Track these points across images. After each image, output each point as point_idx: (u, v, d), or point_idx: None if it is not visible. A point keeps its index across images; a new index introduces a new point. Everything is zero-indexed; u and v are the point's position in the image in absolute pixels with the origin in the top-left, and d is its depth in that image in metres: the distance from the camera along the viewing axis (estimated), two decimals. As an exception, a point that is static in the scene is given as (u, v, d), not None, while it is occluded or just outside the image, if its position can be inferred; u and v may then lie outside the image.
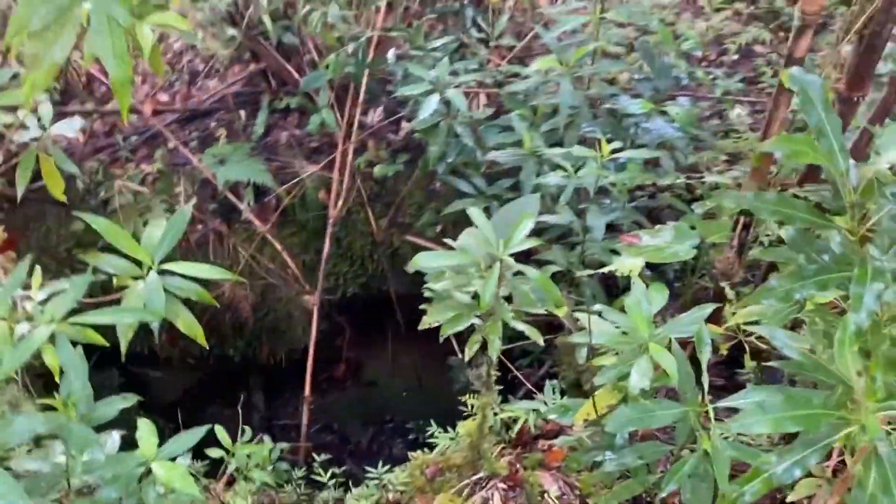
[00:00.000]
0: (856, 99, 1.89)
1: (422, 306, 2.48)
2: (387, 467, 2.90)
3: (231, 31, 3.65)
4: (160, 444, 1.95)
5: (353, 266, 4.73)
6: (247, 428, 2.78)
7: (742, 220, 2.22)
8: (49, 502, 1.87)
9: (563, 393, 2.89)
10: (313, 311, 4.09)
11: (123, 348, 1.76)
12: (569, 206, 3.00)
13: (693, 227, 2.45)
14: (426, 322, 2.20)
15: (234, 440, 2.88)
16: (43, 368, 1.87)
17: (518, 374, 3.20)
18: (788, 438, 2.27)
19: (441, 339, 2.36)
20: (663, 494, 1.80)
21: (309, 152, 4.33)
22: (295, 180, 4.15)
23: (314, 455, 3.30)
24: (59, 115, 2.72)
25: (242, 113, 4.32)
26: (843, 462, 1.88)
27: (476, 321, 2.15)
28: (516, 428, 2.74)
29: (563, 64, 3.18)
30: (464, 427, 2.72)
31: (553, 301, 2.06)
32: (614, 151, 2.76)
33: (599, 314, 2.15)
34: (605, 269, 2.49)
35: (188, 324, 1.83)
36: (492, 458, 2.59)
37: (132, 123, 4.26)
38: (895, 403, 1.12)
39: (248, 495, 2.71)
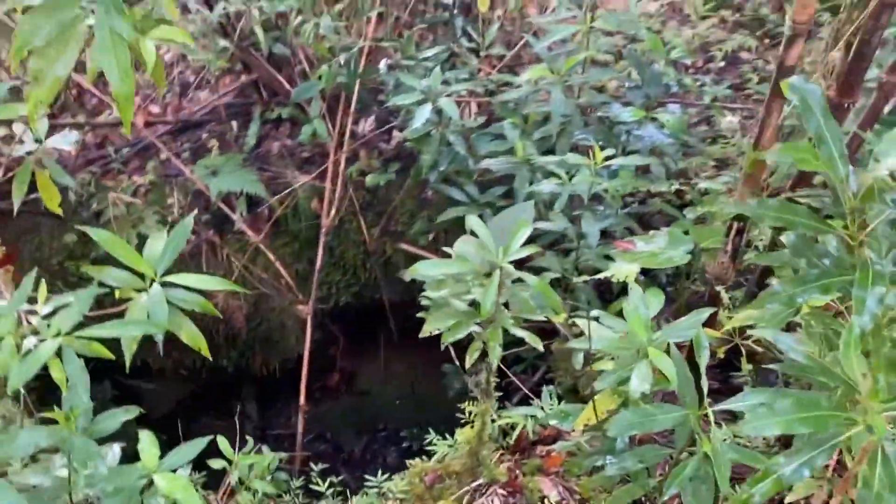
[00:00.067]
0: (846, 105, 1.93)
1: (419, 314, 2.50)
2: (386, 475, 2.91)
3: (223, 43, 3.66)
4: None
5: (346, 275, 4.74)
6: (249, 438, 2.78)
7: (736, 225, 2.25)
8: (53, 516, 1.87)
9: (559, 398, 2.91)
10: (307, 320, 4.10)
11: (128, 361, 1.76)
12: (562, 213, 3.03)
13: (686, 233, 2.49)
14: (426, 330, 2.21)
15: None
16: (36, 382, 1.87)
17: (516, 380, 3.21)
18: (784, 440, 2.31)
19: (436, 347, 2.39)
20: (665, 498, 1.82)
21: (301, 162, 4.34)
22: (287, 190, 4.17)
23: (311, 465, 3.30)
24: (50, 128, 2.73)
25: (234, 124, 4.32)
26: (839, 462, 1.92)
27: (475, 328, 2.17)
28: (514, 434, 2.75)
29: (554, 73, 3.22)
30: (462, 434, 2.73)
31: (552, 307, 2.08)
32: (607, 159, 2.80)
33: (597, 319, 2.18)
34: (602, 275, 2.52)
35: (191, 335, 1.84)
36: (491, 464, 2.61)
37: (124, 135, 4.25)
38: (898, 404, 1.16)
39: (250, 506, 2.71)
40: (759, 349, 2.14)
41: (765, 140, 2.09)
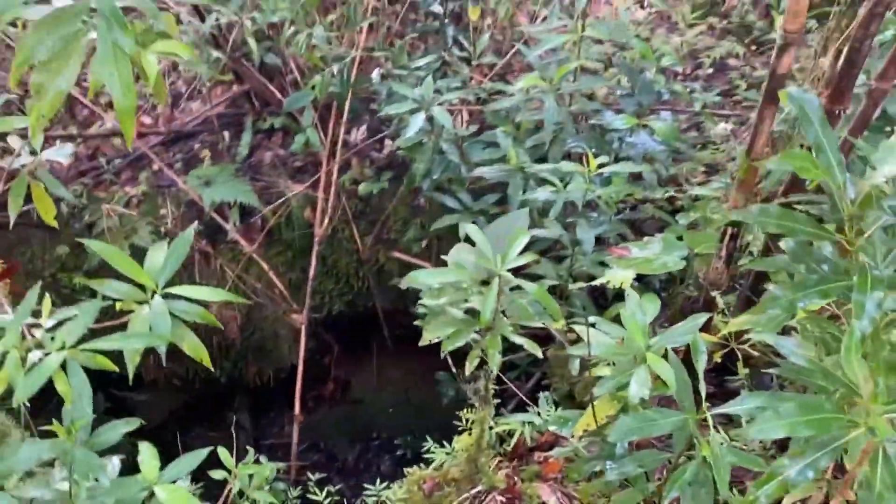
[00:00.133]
0: (837, 112, 1.96)
1: (416, 322, 2.51)
2: (384, 484, 2.91)
3: (215, 54, 3.67)
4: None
5: (339, 284, 4.75)
6: (250, 449, 2.78)
7: (730, 230, 2.28)
8: (53, 529, 1.87)
9: (556, 404, 2.93)
10: (300, 329, 4.10)
11: (131, 373, 1.77)
12: (556, 220, 3.06)
13: (680, 238, 2.52)
14: (426, 339, 2.23)
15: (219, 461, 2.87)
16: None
17: (512, 387, 3.23)
18: (781, 443, 2.33)
19: (429, 354, 2.40)
20: (665, 502, 1.84)
21: (293, 171, 4.35)
22: (281, 200, 4.17)
23: (309, 475, 3.31)
24: (43, 140, 2.72)
25: (226, 134, 4.33)
26: (836, 464, 1.94)
27: (474, 336, 2.18)
28: (512, 441, 2.77)
29: (546, 81, 3.25)
30: (460, 441, 2.74)
31: (552, 314, 2.10)
32: (600, 166, 2.82)
33: (593, 326, 2.19)
34: (598, 282, 2.55)
35: (193, 346, 1.84)
36: (489, 471, 2.62)
37: (115, 146, 4.25)
38: (898, 407, 1.18)
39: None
40: (755, 353, 2.16)
41: (758, 147, 2.13)
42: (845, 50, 1.94)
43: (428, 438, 3.28)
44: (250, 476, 2.56)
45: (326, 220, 4.11)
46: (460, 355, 2.27)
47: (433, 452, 2.91)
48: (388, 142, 4.37)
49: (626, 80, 3.95)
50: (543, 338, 3.09)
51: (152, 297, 1.81)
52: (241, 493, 2.61)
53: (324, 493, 3.10)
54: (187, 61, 3.59)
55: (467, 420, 2.81)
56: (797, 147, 2.55)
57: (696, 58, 4.52)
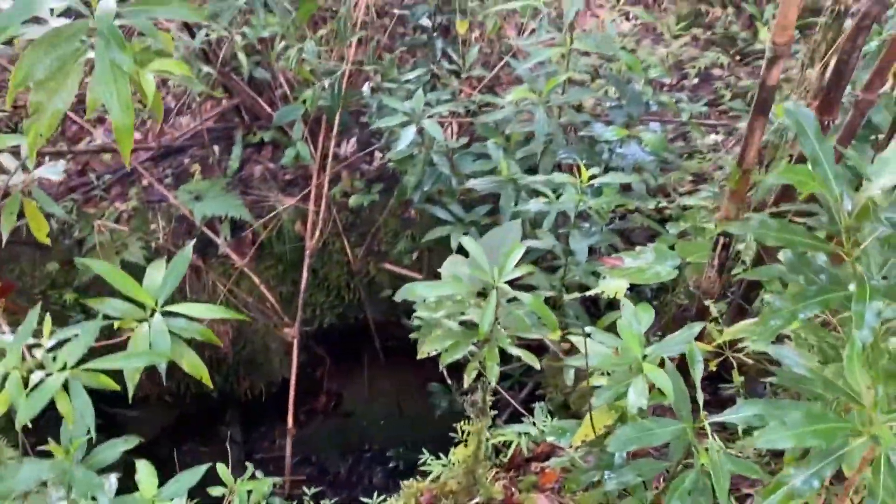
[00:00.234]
0: (826, 123, 2.00)
1: (411, 335, 2.52)
2: (382, 497, 2.91)
3: (205, 69, 3.67)
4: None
5: (330, 296, 4.75)
6: (249, 465, 2.78)
7: (722, 240, 2.31)
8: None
9: (551, 414, 2.94)
10: (292, 343, 4.10)
11: (131, 391, 1.76)
12: (549, 231, 3.08)
13: (672, 248, 2.54)
14: (424, 352, 2.23)
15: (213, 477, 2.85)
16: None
17: (507, 396, 3.24)
18: (775, 450, 2.36)
19: (421, 365, 2.40)
20: (665, 510, 1.85)
21: (284, 185, 4.35)
22: (272, 214, 4.17)
23: (304, 489, 3.30)
24: (34, 157, 2.72)
25: (216, 148, 4.33)
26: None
27: (471, 348, 2.19)
28: (509, 452, 2.77)
29: (535, 93, 3.27)
30: (457, 453, 2.74)
31: (549, 325, 2.11)
32: (592, 177, 2.85)
33: (589, 336, 2.21)
34: (592, 292, 2.57)
35: (193, 364, 1.84)
36: (487, 483, 2.62)
37: (105, 162, 4.24)
38: (900, 415, 1.20)
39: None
40: (749, 361, 2.18)
41: (749, 157, 2.16)
42: (833, 62, 1.97)
43: (420, 450, 3.28)
44: (248, 492, 2.55)
45: (317, 233, 4.12)
46: (453, 366, 2.27)
47: (429, 465, 2.91)
48: (378, 154, 4.38)
49: (614, 92, 4.00)
50: (537, 348, 3.11)
51: (152, 315, 1.81)
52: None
53: (321, 507, 3.10)
54: (176, 76, 3.58)
55: (464, 431, 2.82)
56: (785, 156, 2.59)
57: (681, 68, 4.58)
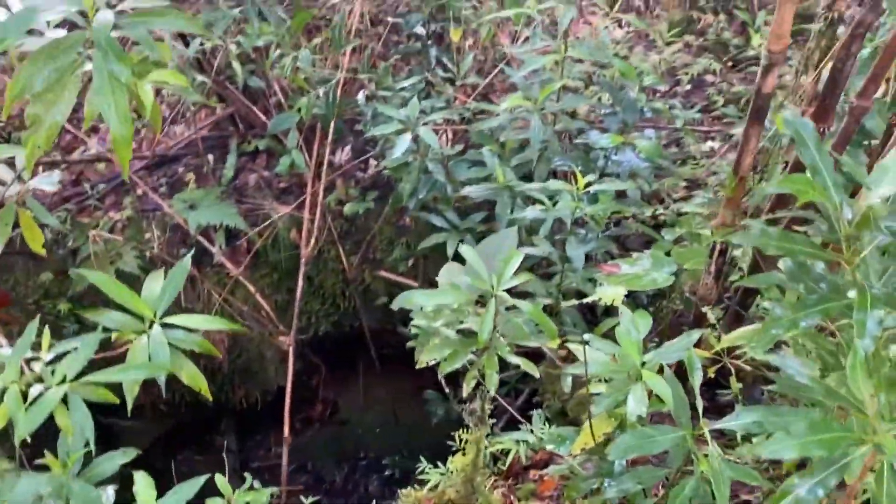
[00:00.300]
0: (822, 130, 2.01)
1: (409, 344, 2.52)
2: (380, 506, 2.90)
3: (200, 78, 3.67)
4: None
5: (325, 304, 4.74)
6: (248, 475, 2.76)
7: (719, 246, 2.32)
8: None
9: (548, 421, 2.94)
10: (287, 351, 4.08)
11: (129, 404, 1.75)
12: (545, 238, 3.08)
13: (668, 254, 2.55)
14: (422, 361, 2.23)
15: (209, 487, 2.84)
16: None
17: (504, 403, 3.24)
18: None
19: (416, 372, 2.40)
20: (665, 518, 1.85)
21: (278, 193, 4.35)
22: (267, 222, 4.17)
23: (302, 498, 3.29)
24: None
25: (211, 157, 4.32)
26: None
27: (470, 356, 2.19)
28: (508, 460, 2.77)
29: (530, 101, 3.28)
30: (456, 461, 2.74)
31: (548, 333, 2.12)
32: (588, 184, 2.86)
33: (587, 343, 2.21)
34: (589, 299, 2.57)
35: (192, 376, 1.84)
36: (486, 491, 2.62)
37: (99, 171, 4.23)
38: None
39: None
40: (747, 368, 2.19)
41: (744, 165, 2.17)
42: (828, 69, 1.99)
43: (416, 458, 3.27)
44: (247, 503, 2.54)
45: (312, 241, 4.11)
46: (450, 373, 2.27)
47: (427, 473, 2.91)
48: (372, 162, 4.38)
49: (608, 98, 4.01)
50: (534, 355, 3.11)
51: (150, 326, 1.80)
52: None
53: (320, 517, 3.09)
54: (171, 85, 3.58)
55: (462, 440, 2.81)
56: (780, 163, 2.61)
57: (674, 75, 4.60)
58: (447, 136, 4.08)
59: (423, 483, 2.94)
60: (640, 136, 3.17)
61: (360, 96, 3.71)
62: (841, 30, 2.28)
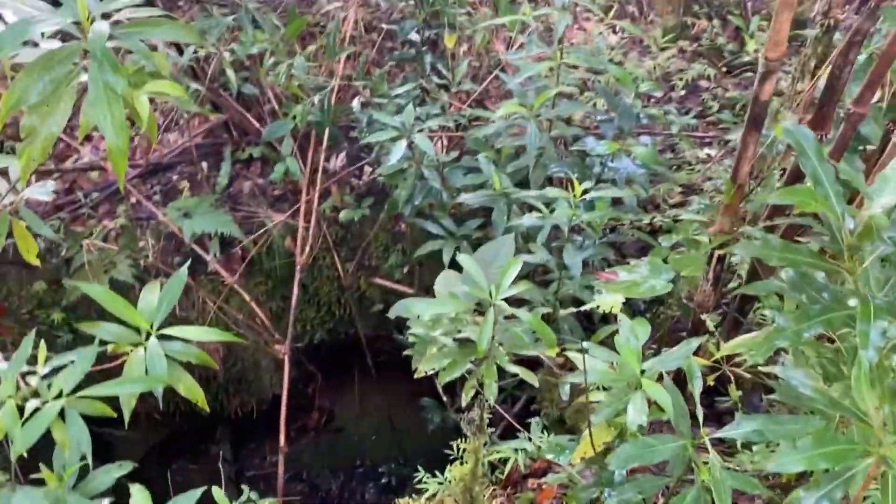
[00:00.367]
0: (819, 137, 2.01)
1: (406, 352, 2.50)
2: (377, 516, 2.88)
3: (194, 85, 3.65)
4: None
5: (321, 311, 4.73)
6: (245, 488, 2.75)
7: (717, 253, 2.32)
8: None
9: (546, 429, 2.93)
10: (283, 359, 4.07)
11: (127, 417, 1.74)
12: (542, 245, 3.08)
13: (665, 261, 2.55)
14: (421, 371, 2.22)
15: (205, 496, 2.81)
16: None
17: (500, 410, 3.22)
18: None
19: (412, 379, 2.39)
20: (667, 527, 1.85)
21: (273, 200, 4.34)
22: (262, 230, 4.15)
23: (298, 507, 3.27)
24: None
25: (205, 165, 4.30)
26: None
27: (468, 365, 2.18)
28: (506, 468, 2.76)
29: (525, 107, 3.28)
30: (454, 470, 2.73)
31: (547, 342, 2.11)
32: (584, 191, 2.85)
33: (586, 351, 2.20)
34: (587, 307, 2.56)
35: (189, 388, 1.82)
36: (484, 500, 2.61)
37: (92, 180, 4.20)
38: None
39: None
40: (747, 375, 2.19)
41: (742, 172, 2.17)
42: (826, 77, 1.99)
43: (412, 465, 3.24)
44: (245, 514, 2.52)
45: (307, 249, 4.10)
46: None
47: (426, 482, 2.89)
48: (367, 169, 4.37)
49: (602, 104, 4.02)
50: (531, 362, 3.10)
51: (147, 338, 1.79)
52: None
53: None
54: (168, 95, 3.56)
55: (460, 449, 2.80)
56: (777, 169, 2.61)
57: (668, 80, 4.61)
58: (442, 142, 4.07)
59: (420, 492, 2.92)
60: (637, 142, 3.16)
61: (356, 103, 3.70)
62: (837, 36, 2.28)
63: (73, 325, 3.88)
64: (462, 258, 2.24)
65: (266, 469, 5.35)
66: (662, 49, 4.66)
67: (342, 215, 4.24)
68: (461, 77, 3.95)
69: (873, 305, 1.21)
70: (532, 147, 3.22)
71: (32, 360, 1.73)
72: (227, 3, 3.85)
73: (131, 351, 1.75)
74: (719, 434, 1.78)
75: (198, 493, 2.17)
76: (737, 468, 2.41)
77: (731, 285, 2.59)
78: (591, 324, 3.46)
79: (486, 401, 2.22)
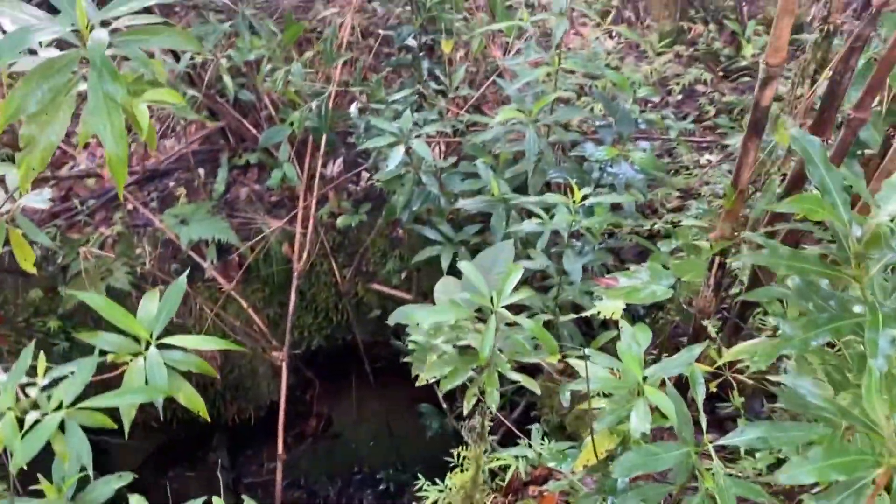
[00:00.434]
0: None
1: (406, 359, 2.49)
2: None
3: (191, 92, 3.64)
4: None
5: (318, 318, 4.71)
6: (245, 498, 2.73)
7: (718, 259, 2.31)
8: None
9: (546, 436, 2.92)
10: (280, 366, 4.05)
11: (127, 427, 1.72)
12: (541, 251, 3.07)
13: (665, 266, 2.54)
14: (422, 378, 2.21)
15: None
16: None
17: (500, 416, 3.21)
18: (773, 468, 2.35)
19: (410, 385, 2.37)
20: (671, 535, 1.84)
21: (270, 207, 4.32)
22: (259, 237, 4.14)
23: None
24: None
25: (201, 171, 4.29)
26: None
27: (470, 373, 2.17)
28: (507, 476, 2.74)
29: (524, 113, 3.28)
30: (455, 479, 2.71)
31: (548, 349, 2.10)
32: (584, 197, 2.85)
33: (587, 358, 2.20)
34: (588, 313, 2.56)
35: (190, 397, 1.81)
36: (485, 507, 2.60)
37: (88, 187, 4.18)
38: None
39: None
40: (749, 382, 2.18)
41: (743, 178, 2.16)
42: (826, 83, 1.99)
43: (411, 471, 3.22)
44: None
45: (305, 255, 4.09)
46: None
47: (425, 490, 2.87)
48: (364, 174, 4.36)
49: (600, 109, 4.02)
50: (531, 368, 3.09)
51: (146, 348, 1.77)
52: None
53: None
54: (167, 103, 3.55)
55: (460, 456, 2.79)
56: (776, 175, 2.61)
57: (665, 85, 4.61)
58: (440, 148, 4.06)
59: (420, 500, 2.90)
60: (635, 147, 3.16)
61: (353, 109, 3.69)
62: (836, 42, 2.28)
63: (70, 333, 3.86)
64: (463, 264, 2.23)
65: (263, 476, 5.32)
66: (659, 54, 4.66)
67: (339, 221, 4.23)
68: (458, 82, 3.94)
69: (881, 313, 1.20)
70: (531, 152, 3.22)
71: (32, 370, 1.72)
72: (223, 10, 3.84)
73: (131, 360, 1.73)
74: (724, 441, 1.78)
75: (198, 502, 2.16)
76: (738, 474, 2.40)
77: (731, 291, 2.59)
78: (590, 329, 3.45)
79: (488, 408, 2.21)
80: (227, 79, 3.64)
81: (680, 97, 4.55)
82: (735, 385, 2.33)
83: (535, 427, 2.87)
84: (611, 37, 4.81)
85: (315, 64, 4.11)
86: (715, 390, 2.31)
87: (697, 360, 2.38)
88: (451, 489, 2.74)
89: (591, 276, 3.23)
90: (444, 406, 3.50)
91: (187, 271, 1.99)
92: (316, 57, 4.04)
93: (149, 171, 4.25)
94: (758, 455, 2.17)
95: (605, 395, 2.18)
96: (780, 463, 2.34)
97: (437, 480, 2.94)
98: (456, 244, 3.65)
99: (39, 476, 1.98)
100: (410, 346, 2.42)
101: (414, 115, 3.51)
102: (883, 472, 1.13)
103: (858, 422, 1.23)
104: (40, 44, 1.71)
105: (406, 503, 4.78)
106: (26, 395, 1.61)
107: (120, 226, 3.97)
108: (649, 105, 4.49)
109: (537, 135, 3.26)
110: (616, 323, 2.46)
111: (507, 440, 3.08)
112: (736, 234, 2.27)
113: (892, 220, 1.28)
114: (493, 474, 2.86)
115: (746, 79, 4.50)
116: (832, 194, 1.31)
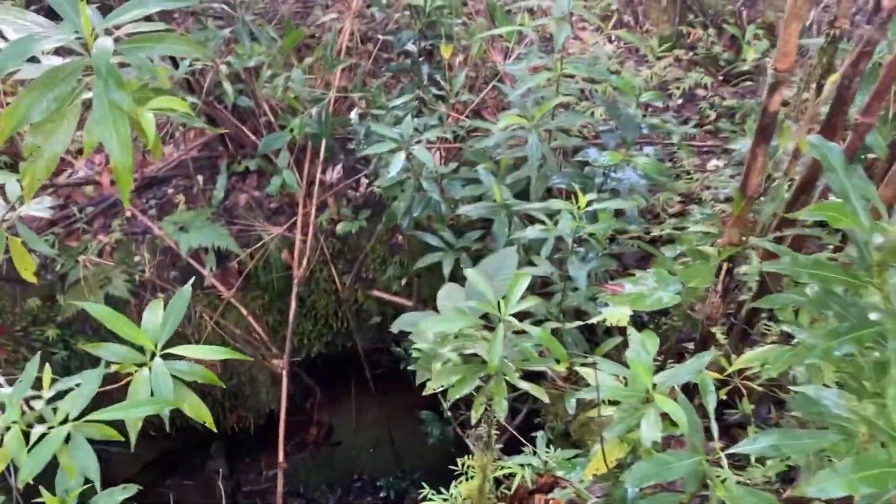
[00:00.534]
0: (829, 148, 1.99)
1: (409, 367, 2.47)
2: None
3: (190, 98, 3.62)
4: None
5: (318, 325, 4.69)
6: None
7: (725, 265, 2.30)
8: None
9: (550, 443, 2.89)
10: (280, 374, 4.02)
11: (133, 439, 1.70)
12: (546, 258, 3.05)
13: (671, 273, 2.52)
14: (430, 387, 2.19)
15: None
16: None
17: (505, 424, 3.18)
18: (784, 476, 2.34)
19: (410, 391, 2.35)
20: (683, 545, 1.82)
21: (269, 213, 4.30)
22: (259, 243, 4.11)
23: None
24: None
25: (200, 178, 4.26)
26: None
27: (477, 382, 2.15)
28: (514, 484, 2.72)
29: (526, 118, 3.26)
30: (461, 488, 2.69)
31: (557, 357, 2.08)
32: (588, 203, 2.83)
33: (594, 365, 2.18)
34: (595, 320, 2.54)
35: (195, 408, 1.78)
36: (491, 516, 2.57)
37: (87, 194, 4.15)
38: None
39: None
40: (759, 388, 2.17)
41: (752, 184, 2.15)
42: (835, 88, 1.98)
43: (411, 478, 3.19)
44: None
45: (305, 262, 4.06)
46: (444, 392, 2.22)
47: (431, 499, 2.85)
48: (364, 181, 4.34)
49: (601, 114, 4.00)
50: (535, 375, 3.07)
51: (151, 358, 1.75)
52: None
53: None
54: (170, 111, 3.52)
55: (465, 465, 2.76)
56: (781, 179, 2.60)
57: (665, 89, 4.60)
58: (440, 153, 4.05)
59: (419, 508, 2.88)
60: (638, 153, 3.15)
61: (353, 115, 3.67)
62: (842, 46, 2.27)
63: (69, 341, 3.83)
64: (469, 272, 2.21)
65: (262, 484, 5.30)
66: (659, 58, 4.65)
67: (339, 228, 4.21)
68: (458, 88, 3.93)
69: (903, 322, 1.19)
70: (534, 158, 3.20)
71: (37, 382, 1.69)
72: (222, 16, 3.82)
73: (135, 371, 1.70)
74: (736, 450, 1.76)
75: (201, 515, 2.13)
76: (748, 482, 2.39)
77: (741, 297, 2.57)
78: (594, 335, 3.43)
79: (495, 417, 2.19)
80: (226, 85, 3.61)
81: (680, 101, 4.55)
82: (745, 393, 2.31)
83: (539, 434, 2.85)
84: (610, 41, 4.81)
85: (315, 70, 4.08)
86: (725, 397, 2.29)
87: (707, 368, 2.37)
88: (456, 498, 2.72)
89: (596, 283, 3.21)
90: (449, 414, 3.47)
91: (191, 281, 1.96)
92: (315, 63, 4.02)
93: (147, 177, 4.23)
94: (768, 463, 2.15)
95: (611, 403, 2.16)
96: (790, 471, 2.33)
97: (442, 490, 2.92)
98: (457, 250, 3.63)
99: (41, 489, 1.95)
100: (414, 354, 2.39)
101: (414, 120, 3.49)
102: None
103: (884, 433, 1.21)
104: (43, 52, 1.69)
105: (408, 511, 4.75)
106: (31, 409, 1.58)
107: (118, 233, 3.94)
108: (650, 109, 4.48)
109: (539, 140, 3.24)
110: (620, 329, 2.44)
111: (511, 447, 3.06)
112: (744, 240, 2.26)
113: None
114: (497, 482, 2.83)
115: (748, 83, 4.49)
116: (853, 202, 1.29)
